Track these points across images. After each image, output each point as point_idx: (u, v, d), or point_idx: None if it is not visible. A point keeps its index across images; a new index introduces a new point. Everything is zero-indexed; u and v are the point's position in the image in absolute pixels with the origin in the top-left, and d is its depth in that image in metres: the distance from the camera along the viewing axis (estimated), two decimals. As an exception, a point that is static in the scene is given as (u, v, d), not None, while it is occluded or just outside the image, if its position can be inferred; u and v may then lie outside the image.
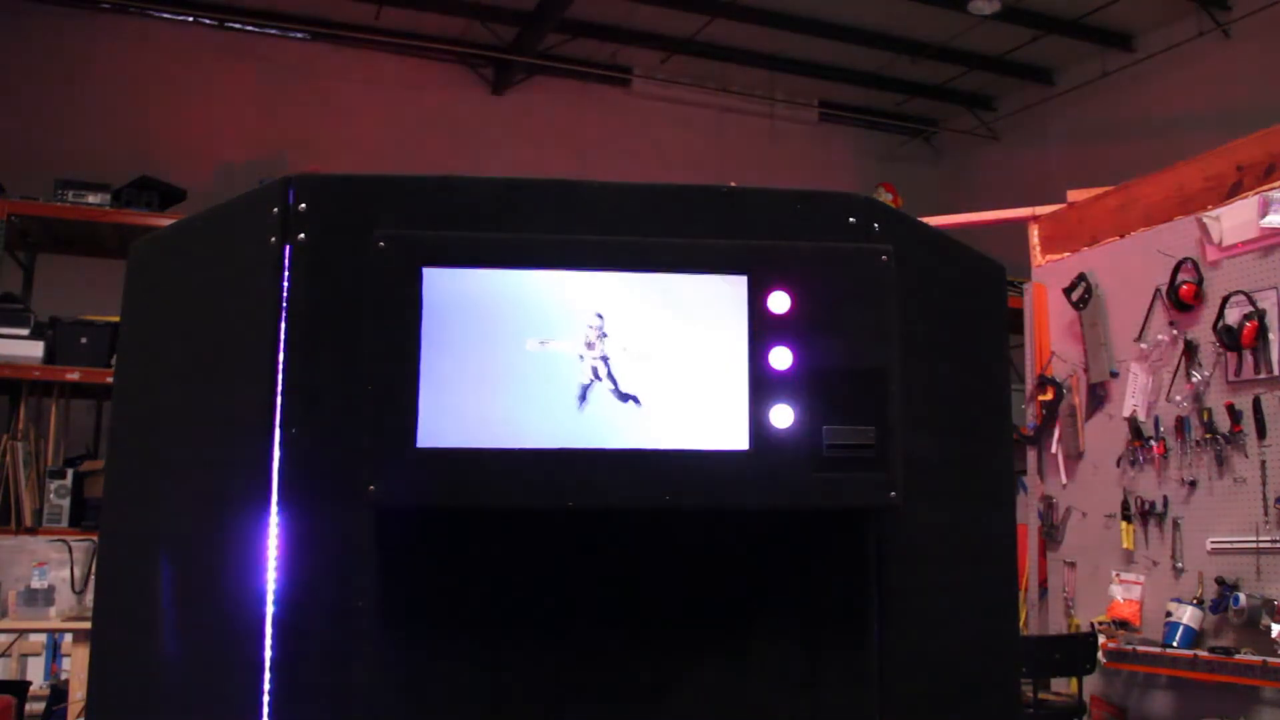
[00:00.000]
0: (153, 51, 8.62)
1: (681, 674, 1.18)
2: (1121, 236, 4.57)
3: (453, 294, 1.10)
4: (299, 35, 9.09)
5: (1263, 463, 3.78)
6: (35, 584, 4.41)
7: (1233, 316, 3.89)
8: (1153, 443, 4.21)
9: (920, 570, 1.28)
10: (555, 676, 1.18)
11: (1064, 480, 4.67)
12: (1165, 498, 4.15)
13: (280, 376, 1.17)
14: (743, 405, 1.12)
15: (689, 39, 9.31)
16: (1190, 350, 4.08)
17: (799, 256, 1.16)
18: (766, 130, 10.52)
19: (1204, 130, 6.05)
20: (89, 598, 4.43)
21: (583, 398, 1.11)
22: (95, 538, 4.01)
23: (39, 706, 4.76)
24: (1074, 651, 4.12)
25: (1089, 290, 4.58)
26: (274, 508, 1.14)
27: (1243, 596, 3.71)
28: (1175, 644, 3.89)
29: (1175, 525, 4.10)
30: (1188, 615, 3.90)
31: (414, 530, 1.17)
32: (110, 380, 3.12)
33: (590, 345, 1.12)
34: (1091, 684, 4.32)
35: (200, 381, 1.29)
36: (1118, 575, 4.30)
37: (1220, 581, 3.84)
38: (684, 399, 1.12)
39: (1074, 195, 4.99)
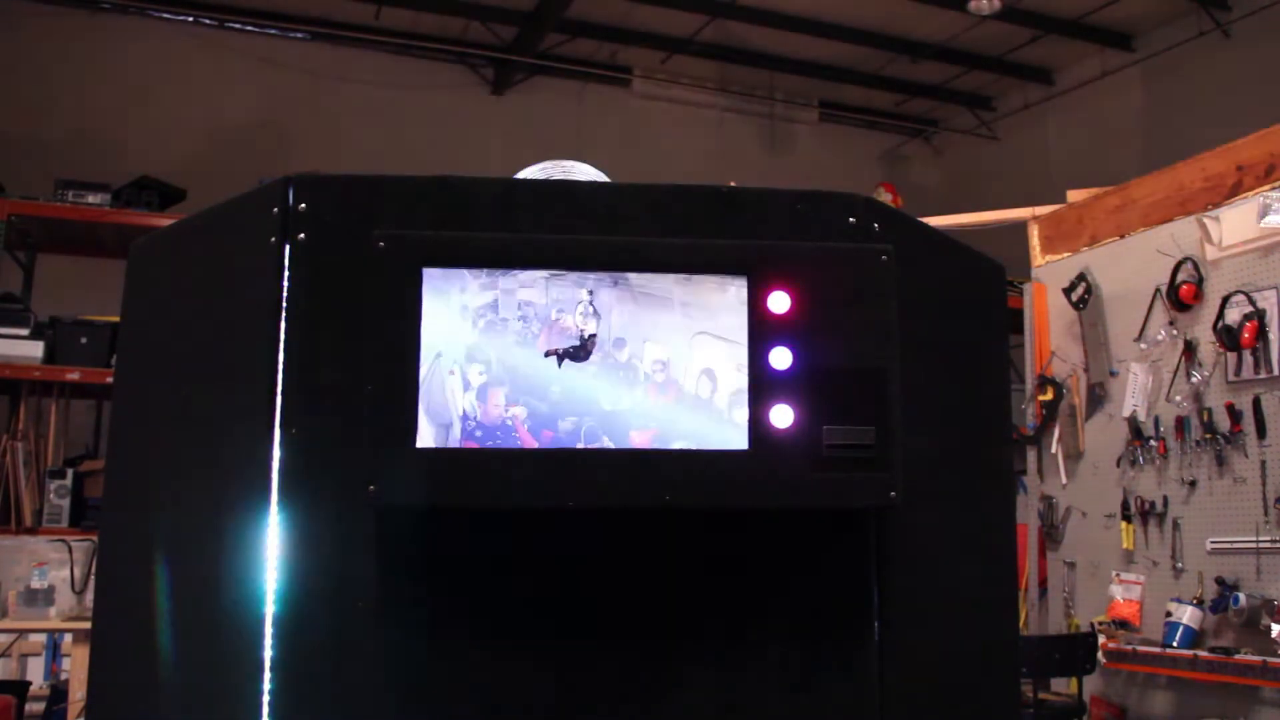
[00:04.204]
0: (153, 51, 8.63)
1: (681, 673, 1.18)
2: (1121, 236, 4.57)
3: (453, 294, 1.10)
4: (299, 35, 9.09)
5: (1263, 463, 3.78)
6: (35, 584, 4.41)
7: (1233, 316, 3.89)
8: (1153, 443, 4.21)
9: (920, 570, 1.28)
10: (555, 676, 1.18)
11: (1064, 480, 4.67)
12: (1165, 498, 4.15)
13: (280, 376, 1.16)
14: (743, 405, 1.12)
15: (689, 39, 9.32)
16: (1190, 350, 4.08)
17: (799, 256, 1.15)
18: (766, 130, 10.53)
19: (1204, 130, 6.05)
20: (89, 598, 4.43)
21: (582, 397, 1.11)
22: (95, 538, 4.01)
23: (39, 706, 4.76)
24: (1074, 651, 4.12)
25: (1089, 290, 4.58)
26: (274, 508, 1.14)
27: (1243, 596, 3.71)
28: (1175, 644, 3.89)
29: (1175, 525, 4.10)
30: (1188, 615, 3.90)
31: (414, 530, 1.17)
32: (110, 380, 3.12)
33: (590, 345, 1.12)
34: (1091, 684, 4.32)
35: (200, 381, 1.29)
36: (1118, 575, 4.30)
37: (1220, 581, 3.84)
38: (684, 399, 1.12)
39: (1074, 195, 4.99)
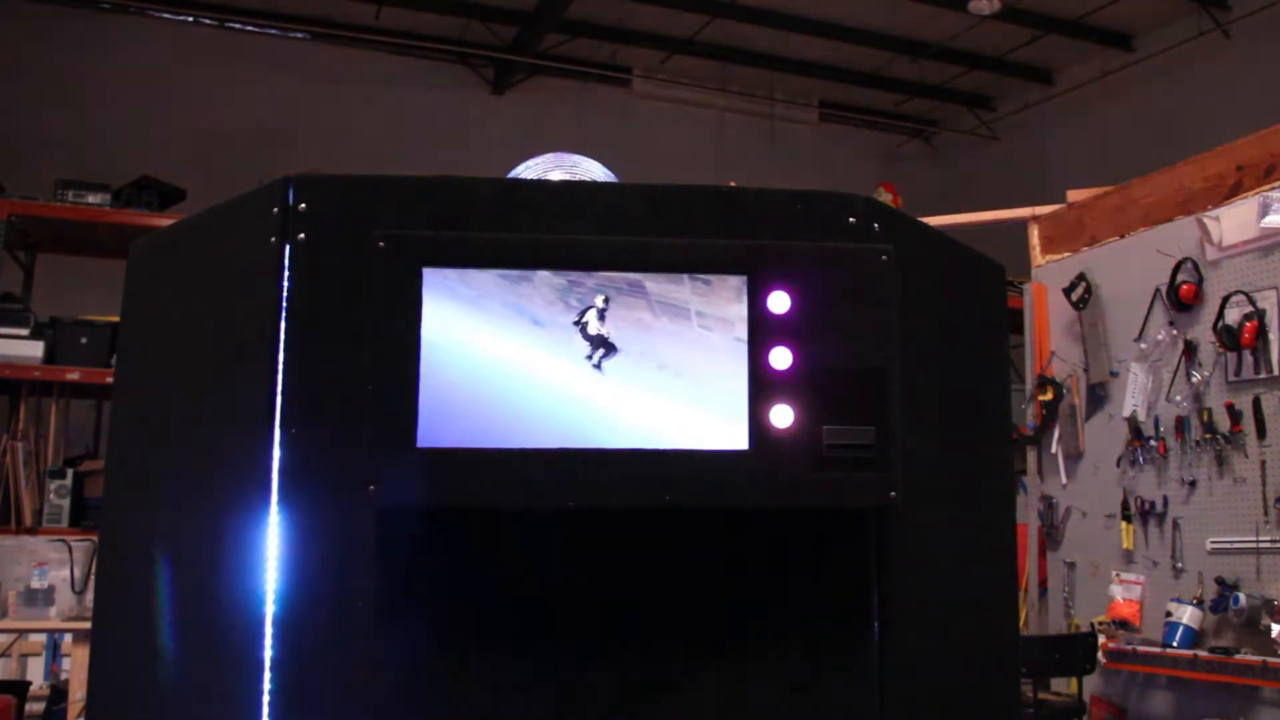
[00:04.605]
0: (153, 51, 8.63)
1: (681, 674, 1.19)
2: (1121, 236, 4.57)
3: (453, 294, 1.10)
4: (299, 35, 9.10)
5: (1263, 463, 3.78)
6: (35, 584, 4.41)
7: (1233, 316, 3.89)
8: (1153, 443, 4.21)
9: (920, 570, 1.28)
10: (555, 676, 1.18)
11: (1064, 480, 4.67)
12: (1165, 498, 4.15)
13: (280, 376, 1.16)
14: (743, 405, 1.12)
15: (689, 39, 9.32)
16: (1190, 350, 4.08)
17: (799, 256, 1.15)
18: (766, 130, 10.53)
19: (1204, 130, 6.05)
20: (89, 598, 4.43)
21: (582, 396, 1.11)
22: (95, 538, 4.01)
23: (39, 706, 4.76)
24: (1074, 651, 4.12)
25: (1089, 290, 4.58)
26: (274, 508, 1.14)
27: (1243, 596, 3.71)
28: (1175, 644, 3.89)
29: (1175, 525, 4.10)
30: (1188, 615, 3.90)
31: (414, 530, 1.17)
32: (110, 380, 3.12)
33: (590, 344, 1.12)
34: (1091, 684, 4.32)
35: (200, 381, 1.29)
36: (1118, 575, 4.30)
37: (1220, 581, 3.84)
38: (684, 399, 1.12)
39: (1074, 195, 5.00)
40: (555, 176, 1.63)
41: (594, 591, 1.19)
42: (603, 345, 1.12)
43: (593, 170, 1.67)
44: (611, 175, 1.67)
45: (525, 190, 1.29)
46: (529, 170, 1.65)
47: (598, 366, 1.11)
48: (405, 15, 8.86)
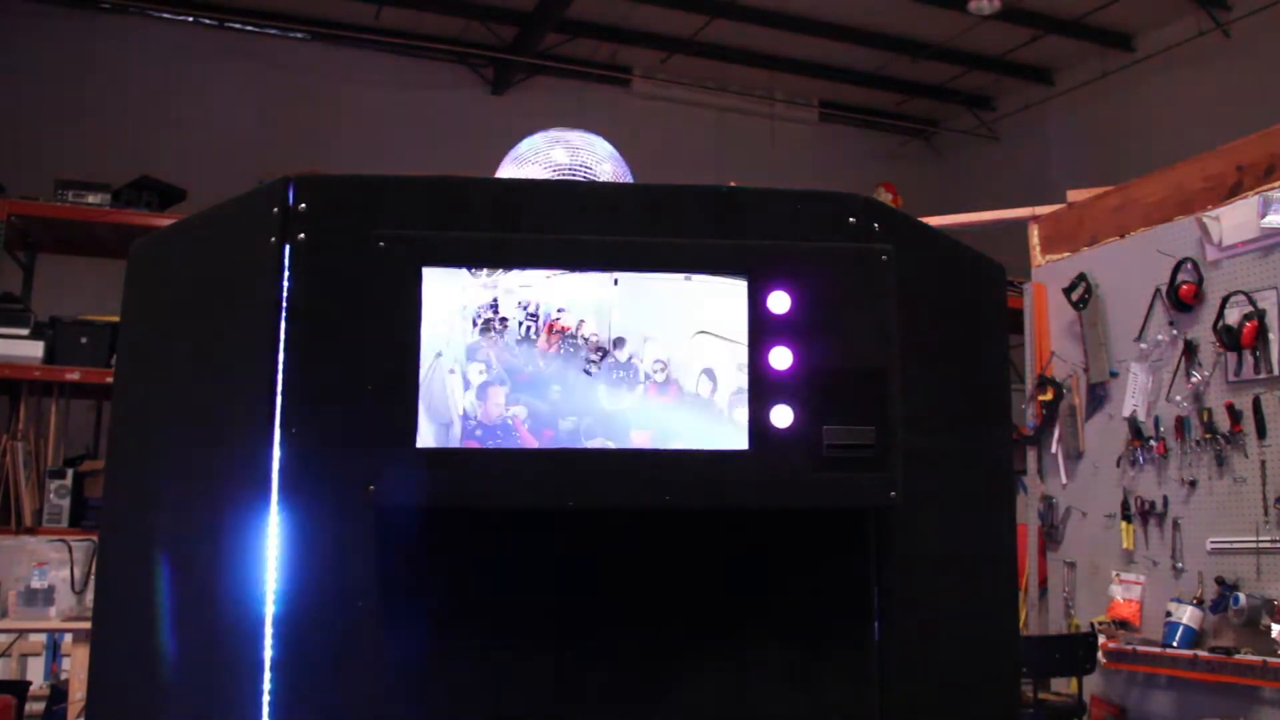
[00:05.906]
0: (153, 51, 8.63)
1: (681, 674, 1.19)
2: (1121, 236, 4.57)
3: (452, 293, 1.10)
4: (299, 35, 9.09)
5: (1263, 463, 3.78)
6: (35, 584, 4.41)
7: (1233, 316, 3.89)
8: (1153, 443, 4.21)
9: (920, 570, 1.28)
10: (555, 676, 1.18)
11: (1064, 480, 4.67)
12: (1165, 498, 4.15)
13: (280, 376, 1.16)
14: (743, 405, 1.12)
15: (689, 39, 9.32)
16: (1190, 350, 4.08)
17: (799, 257, 1.15)
18: (766, 130, 10.53)
19: (1204, 130, 6.05)
20: (89, 598, 4.43)
21: (582, 396, 1.11)
22: (95, 538, 4.01)
23: (39, 706, 4.76)
24: (1074, 651, 4.12)
25: (1089, 290, 4.58)
26: (274, 508, 1.14)
27: (1243, 596, 3.71)
28: (1175, 644, 3.89)
29: (1175, 525, 4.10)
30: (1188, 615, 3.90)
31: (414, 530, 1.17)
32: (110, 380, 3.12)
33: (590, 345, 1.12)
34: (1091, 684, 4.32)
35: (200, 382, 1.29)
36: (1118, 575, 4.30)
37: (1220, 581, 3.84)
38: (684, 398, 1.12)
39: (1074, 195, 4.99)
40: (558, 151, 1.62)
41: (594, 591, 1.19)
42: (599, 349, 1.12)
43: (594, 147, 1.64)
44: (614, 151, 1.66)
45: (525, 190, 1.29)
46: (532, 144, 1.64)
47: (597, 366, 1.11)
48: (405, 15, 8.86)
